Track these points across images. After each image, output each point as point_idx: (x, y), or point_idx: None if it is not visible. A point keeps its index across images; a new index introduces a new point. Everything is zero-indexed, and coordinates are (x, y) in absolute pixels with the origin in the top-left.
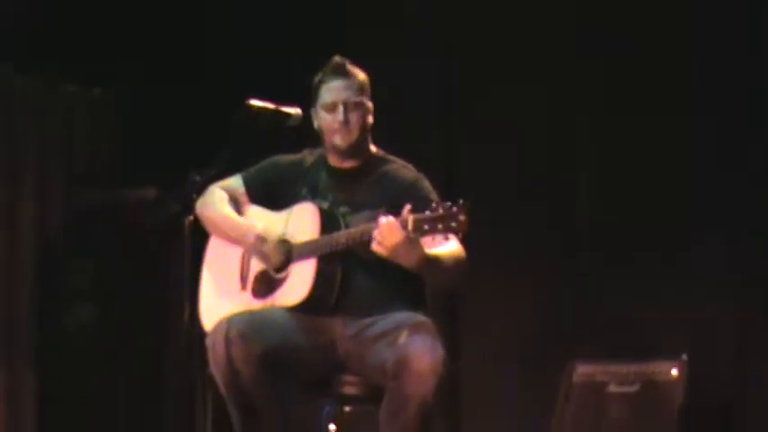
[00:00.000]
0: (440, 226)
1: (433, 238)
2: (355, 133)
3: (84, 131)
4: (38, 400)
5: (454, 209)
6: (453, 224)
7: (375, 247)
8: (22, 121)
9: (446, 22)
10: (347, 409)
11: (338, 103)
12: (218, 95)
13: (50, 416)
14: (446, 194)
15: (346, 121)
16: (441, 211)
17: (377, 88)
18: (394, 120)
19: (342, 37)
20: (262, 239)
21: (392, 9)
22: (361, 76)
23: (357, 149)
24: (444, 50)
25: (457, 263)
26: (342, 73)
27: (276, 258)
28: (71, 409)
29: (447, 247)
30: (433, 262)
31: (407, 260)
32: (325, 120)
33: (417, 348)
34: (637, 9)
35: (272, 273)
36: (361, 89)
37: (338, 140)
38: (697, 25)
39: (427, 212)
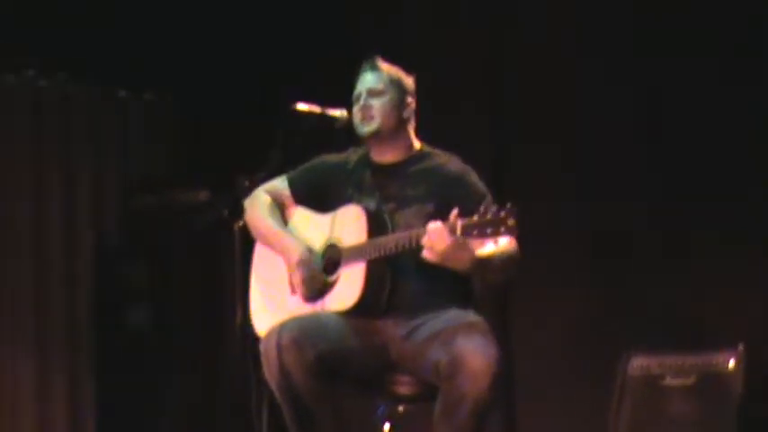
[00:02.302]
0: (489, 230)
1: (483, 241)
2: (378, 120)
3: (139, 135)
4: (97, 402)
5: (502, 213)
6: (503, 229)
7: (425, 253)
8: (78, 126)
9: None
10: (401, 408)
11: (362, 91)
12: (270, 99)
13: (108, 417)
14: (494, 190)
15: (367, 107)
16: (489, 216)
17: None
18: (441, 120)
19: (397, 40)
20: (303, 263)
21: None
22: (393, 70)
23: (388, 140)
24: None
25: (508, 261)
26: (371, 67)
27: (317, 283)
28: (128, 411)
29: (499, 244)
30: (484, 263)
31: (458, 264)
32: (353, 112)
33: (471, 348)
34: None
35: (320, 276)
36: (389, 81)
37: (360, 128)
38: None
39: (475, 217)
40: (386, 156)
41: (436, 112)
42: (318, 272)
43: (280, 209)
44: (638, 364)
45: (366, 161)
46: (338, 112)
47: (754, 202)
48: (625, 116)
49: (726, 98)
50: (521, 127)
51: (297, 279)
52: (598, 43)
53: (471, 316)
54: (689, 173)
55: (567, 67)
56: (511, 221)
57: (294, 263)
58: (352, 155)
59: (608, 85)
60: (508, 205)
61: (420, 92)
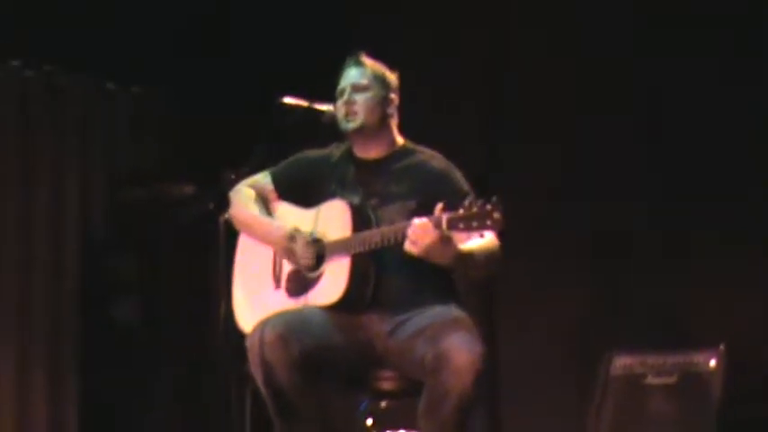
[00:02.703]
0: (474, 224)
1: (468, 235)
2: (361, 116)
3: (126, 128)
4: (79, 396)
5: (488, 207)
6: (488, 222)
7: (408, 246)
8: (66, 118)
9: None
10: (384, 404)
11: (346, 86)
12: (256, 92)
13: (91, 412)
14: (483, 189)
15: (351, 102)
16: (475, 209)
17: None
18: (435, 119)
19: (386, 35)
20: (291, 238)
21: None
22: (377, 66)
23: (371, 136)
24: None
25: (490, 257)
26: (355, 63)
27: (306, 258)
28: (112, 405)
29: (481, 240)
30: (467, 258)
31: (441, 258)
32: (336, 107)
33: (456, 344)
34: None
35: (304, 271)
36: (373, 77)
37: (344, 123)
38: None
39: (461, 211)
40: (369, 151)
41: (434, 112)
42: (308, 244)
43: (264, 203)
44: (621, 363)
45: (349, 157)
46: (325, 107)
47: (747, 202)
48: (624, 116)
49: (725, 98)
50: (516, 127)
51: (293, 252)
52: (597, 43)
53: (456, 312)
54: (685, 173)
55: (567, 66)
56: (496, 215)
57: (282, 240)
58: (335, 150)
59: (607, 84)
60: (493, 199)
61: (418, 92)
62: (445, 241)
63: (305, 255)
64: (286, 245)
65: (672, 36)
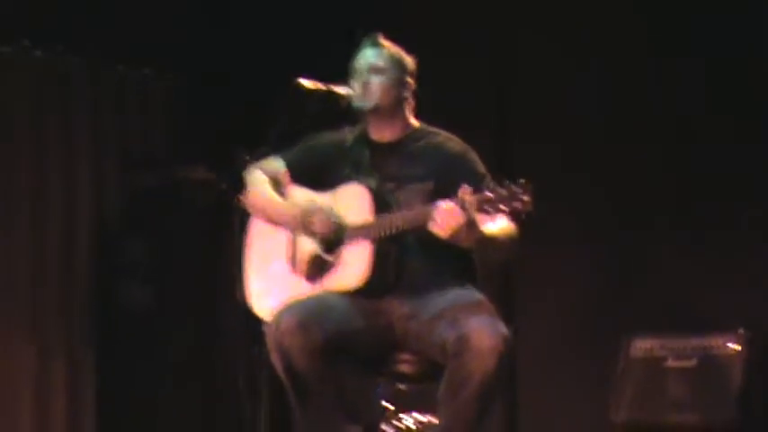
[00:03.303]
0: (502, 206)
1: (490, 218)
2: (376, 95)
3: (138, 111)
4: (96, 380)
5: (517, 188)
6: (517, 204)
7: (435, 229)
8: (77, 102)
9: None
10: (401, 387)
11: (362, 66)
12: (272, 75)
13: (108, 395)
14: (498, 171)
15: (367, 83)
16: (504, 192)
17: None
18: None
19: (398, 28)
20: (308, 213)
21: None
22: (394, 49)
23: (386, 117)
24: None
25: (510, 240)
26: (372, 44)
27: (326, 231)
28: (128, 387)
29: (501, 223)
30: (489, 241)
31: (466, 241)
32: (352, 87)
33: (478, 327)
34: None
35: (323, 255)
36: (390, 59)
37: (359, 102)
38: None
39: (487, 193)
40: (384, 134)
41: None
42: (328, 215)
43: (276, 187)
44: (641, 345)
45: (364, 139)
46: (344, 90)
47: (757, 183)
48: (631, 103)
49: (728, 95)
50: (525, 104)
51: (311, 226)
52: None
53: (477, 295)
54: (704, 159)
55: (568, 71)
56: (526, 197)
57: (299, 217)
58: (349, 134)
59: (618, 63)
60: (521, 181)
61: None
62: (471, 224)
63: (324, 226)
64: (304, 218)
65: (682, 39)
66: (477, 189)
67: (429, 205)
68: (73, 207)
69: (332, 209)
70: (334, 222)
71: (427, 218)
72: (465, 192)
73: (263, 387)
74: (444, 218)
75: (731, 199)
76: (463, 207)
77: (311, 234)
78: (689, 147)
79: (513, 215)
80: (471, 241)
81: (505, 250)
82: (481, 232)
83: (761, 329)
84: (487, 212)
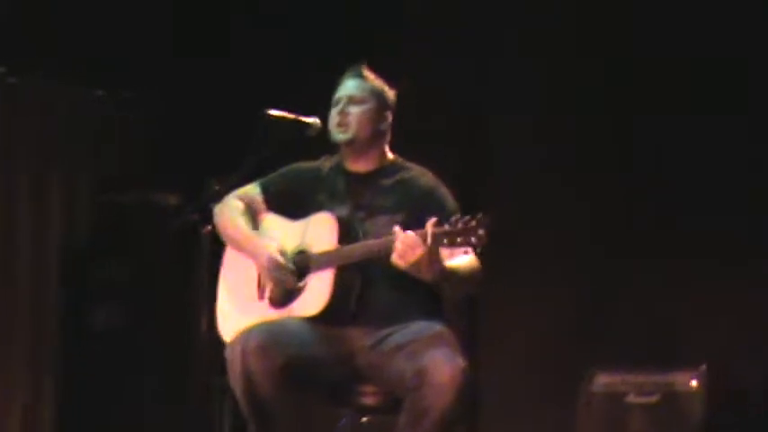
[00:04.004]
0: (459, 240)
1: (451, 252)
2: (353, 128)
3: (113, 134)
4: (59, 401)
5: (473, 223)
6: (473, 239)
7: (395, 260)
8: (52, 124)
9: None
10: (364, 419)
11: (342, 97)
12: (244, 103)
13: (71, 417)
14: (468, 202)
15: (344, 113)
16: (460, 225)
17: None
18: (419, 123)
19: (369, 45)
20: (275, 263)
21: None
22: (377, 81)
23: (361, 149)
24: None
25: (472, 275)
26: (355, 75)
27: (290, 284)
28: (91, 412)
29: (463, 258)
30: (450, 275)
31: (426, 273)
32: (330, 116)
33: (437, 360)
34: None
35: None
36: (371, 91)
37: (335, 134)
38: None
39: (446, 226)
40: (359, 164)
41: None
42: (291, 267)
43: (252, 214)
44: (603, 381)
45: (339, 169)
46: (311, 120)
47: (721, 219)
48: (603, 139)
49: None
50: (505, 133)
51: (272, 276)
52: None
53: (438, 327)
54: (667, 196)
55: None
56: (481, 231)
57: (265, 263)
58: (326, 162)
59: (590, 84)
60: (479, 215)
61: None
62: (432, 257)
63: (288, 279)
64: (269, 267)
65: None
66: (439, 223)
67: (391, 236)
68: (44, 229)
69: (301, 246)
70: (303, 261)
71: (389, 248)
72: (428, 224)
73: (228, 413)
74: (404, 249)
75: (695, 236)
76: (424, 239)
77: (276, 284)
78: (655, 183)
79: (469, 248)
80: (432, 274)
81: (467, 285)
82: (442, 266)
83: (722, 366)
84: (445, 246)
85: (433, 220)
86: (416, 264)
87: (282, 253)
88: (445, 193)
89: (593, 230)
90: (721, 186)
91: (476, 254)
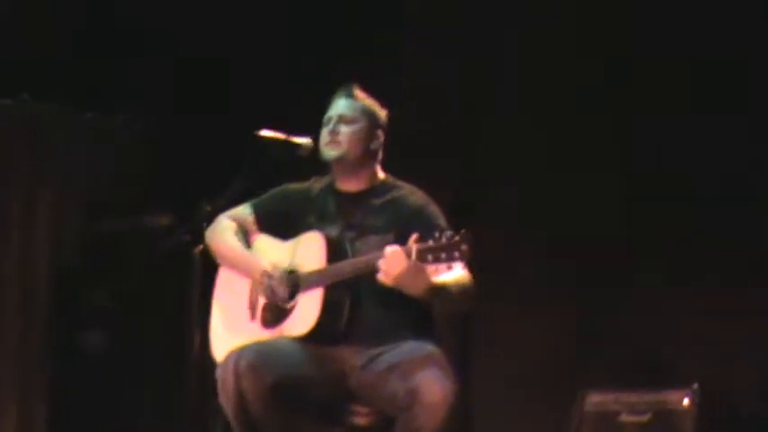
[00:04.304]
0: (443, 255)
1: (437, 268)
2: (344, 146)
3: (104, 158)
4: (49, 425)
5: (456, 238)
6: (456, 253)
7: (380, 276)
8: (42, 146)
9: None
10: None
11: (333, 116)
12: (238, 126)
13: None
14: (458, 219)
15: (335, 132)
16: (443, 240)
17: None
18: (410, 138)
19: (356, 59)
20: (268, 275)
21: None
22: (368, 101)
23: (352, 168)
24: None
25: (464, 290)
26: (346, 94)
27: (282, 295)
28: None
29: (453, 274)
30: (440, 290)
31: (413, 289)
32: (321, 135)
33: (428, 380)
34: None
35: (280, 303)
36: (362, 110)
37: (325, 151)
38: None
39: (430, 242)
40: (350, 184)
41: (404, 155)
42: (282, 283)
43: (243, 235)
44: (595, 399)
45: (330, 189)
46: (303, 140)
47: (713, 237)
48: (596, 146)
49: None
50: (495, 157)
51: (269, 289)
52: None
53: (430, 347)
54: (659, 211)
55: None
56: (464, 246)
57: (258, 276)
58: (316, 183)
59: (583, 114)
60: (462, 231)
61: (391, 129)
62: (417, 271)
63: (281, 292)
64: (263, 281)
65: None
66: (423, 238)
67: (378, 253)
68: (32, 252)
69: (291, 266)
70: (290, 287)
71: (375, 264)
72: (412, 240)
73: None
74: (389, 265)
75: (689, 256)
76: (408, 255)
77: (270, 297)
78: (642, 206)
79: (452, 264)
80: (420, 290)
81: (458, 301)
82: (431, 282)
83: (714, 385)
84: (429, 261)
85: (415, 235)
86: (400, 279)
87: (275, 267)
88: (435, 211)
89: (588, 250)
90: (715, 206)
91: (467, 268)
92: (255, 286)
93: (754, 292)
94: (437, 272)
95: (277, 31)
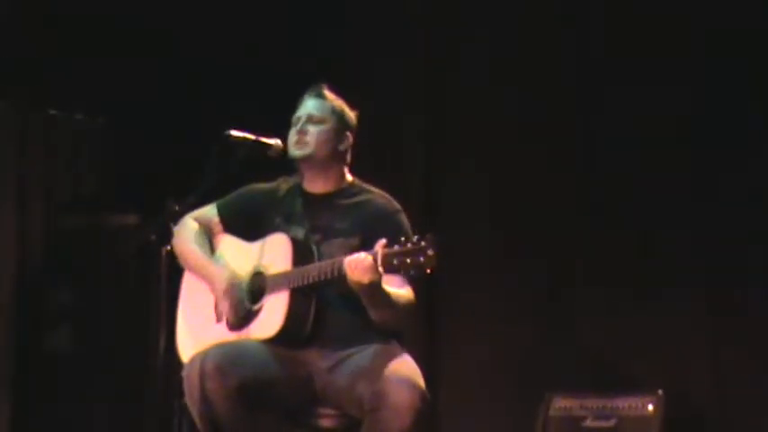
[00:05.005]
0: (408, 261)
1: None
2: (312, 146)
3: (67, 156)
4: (12, 424)
5: (422, 243)
6: (422, 259)
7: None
8: (3, 145)
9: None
10: None
11: (302, 116)
12: (205, 125)
13: None
14: (424, 224)
15: (303, 132)
16: (409, 245)
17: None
18: (375, 148)
19: (326, 66)
20: (229, 292)
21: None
22: (337, 102)
23: (319, 168)
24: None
25: (400, 304)
26: (316, 95)
27: (241, 312)
28: None
29: (400, 290)
30: (375, 290)
31: (367, 294)
32: (289, 135)
33: (395, 382)
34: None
35: (246, 304)
36: (331, 111)
37: (293, 150)
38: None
39: (396, 247)
40: (317, 185)
41: (376, 140)
42: (244, 300)
43: (208, 236)
44: (560, 404)
45: (297, 190)
46: (272, 141)
47: (674, 245)
48: (563, 146)
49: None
50: (458, 158)
51: (224, 307)
52: (539, 79)
53: (397, 350)
54: (625, 214)
55: (508, 100)
56: (430, 251)
57: (220, 291)
58: (283, 183)
59: (552, 113)
60: (427, 236)
61: (361, 120)
62: (378, 278)
63: (239, 308)
64: (221, 295)
65: (615, 66)
66: (389, 244)
67: (342, 257)
68: None
69: (258, 267)
70: (259, 282)
71: (339, 270)
72: (378, 245)
73: None
74: (353, 269)
75: (653, 260)
76: (375, 260)
77: (228, 311)
78: (610, 207)
79: (418, 269)
80: (370, 295)
81: (392, 311)
82: (380, 287)
83: (679, 390)
84: (395, 267)
85: (383, 241)
86: (361, 285)
87: (236, 279)
88: (402, 218)
89: (552, 255)
90: (678, 209)
91: (424, 275)
92: (217, 299)
93: (720, 299)
94: (392, 282)
95: (247, 29)
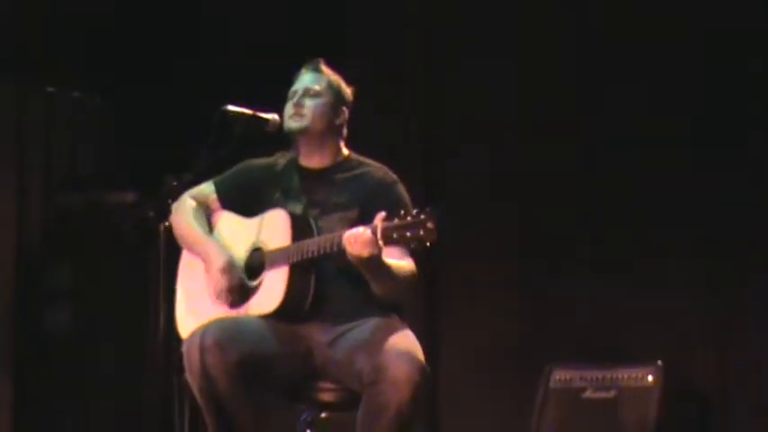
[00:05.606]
0: (408, 234)
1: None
2: (308, 119)
3: (66, 133)
4: (14, 405)
5: (422, 216)
6: (422, 232)
7: (350, 257)
8: (3, 122)
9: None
10: (324, 415)
11: (298, 89)
12: (201, 100)
13: (26, 420)
14: (423, 199)
15: (300, 105)
16: (408, 219)
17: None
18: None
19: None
20: (226, 271)
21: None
22: (334, 76)
23: (315, 142)
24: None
25: (402, 277)
26: (312, 68)
27: (235, 296)
28: (47, 413)
29: (401, 261)
30: (375, 263)
31: (368, 268)
32: (286, 108)
33: (395, 356)
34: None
35: (245, 280)
36: (327, 85)
37: (289, 123)
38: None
39: (396, 220)
40: (313, 160)
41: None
42: (242, 277)
43: (205, 213)
44: (560, 376)
45: (294, 165)
46: (269, 116)
47: (674, 216)
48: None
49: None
50: (457, 134)
51: (222, 286)
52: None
53: (397, 324)
54: (623, 188)
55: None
56: (430, 224)
57: (217, 270)
58: (280, 159)
59: (547, 93)
60: (428, 209)
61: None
62: (379, 252)
63: (234, 291)
64: (218, 276)
65: (612, 62)
66: (389, 217)
67: (341, 231)
68: None
69: (257, 243)
70: (259, 258)
71: (339, 244)
72: (377, 218)
73: (187, 413)
74: (352, 243)
75: (648, 231)
76: (374, 233)
77: (222, 294)
78: (603, 180)
79: (418, 242)
80: (370, 269)
81: (394, 284)
82: (380, 260)
83: (678, 361)
84: (395, 240)
85: (382, 214)
86: (362, 259)
87: (233, 259)
88: (401, 190)
89: (551, 227)
90: (676, 182)
91: (423, 248)
92: (213, 281)
93: (716, 271)
94: (388, 255)
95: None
